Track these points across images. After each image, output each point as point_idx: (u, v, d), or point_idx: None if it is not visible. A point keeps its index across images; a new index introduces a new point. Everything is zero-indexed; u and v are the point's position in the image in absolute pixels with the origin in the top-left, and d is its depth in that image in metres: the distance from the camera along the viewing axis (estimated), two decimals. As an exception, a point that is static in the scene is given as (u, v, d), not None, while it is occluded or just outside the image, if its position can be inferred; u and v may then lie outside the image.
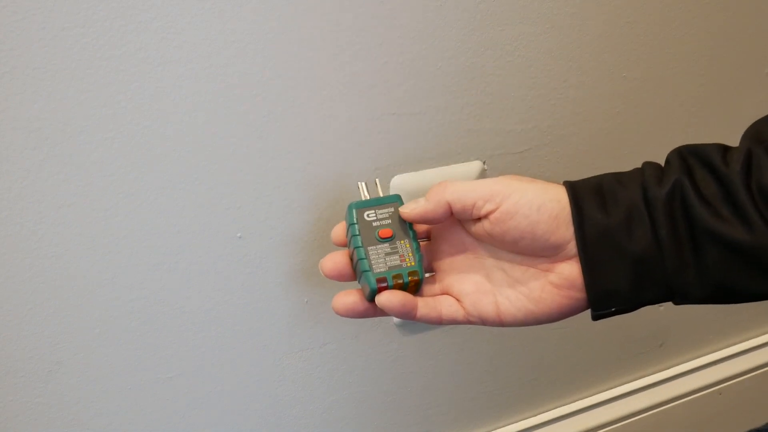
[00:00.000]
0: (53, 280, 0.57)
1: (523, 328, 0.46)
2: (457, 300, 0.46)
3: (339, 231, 0.46)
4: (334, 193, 0.64)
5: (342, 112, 0.62)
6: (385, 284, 0.44)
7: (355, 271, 0.45)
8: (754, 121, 0.44)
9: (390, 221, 0.45)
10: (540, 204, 0.41)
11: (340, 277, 0.45)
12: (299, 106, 0.60)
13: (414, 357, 0.76)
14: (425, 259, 0.47)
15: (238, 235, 0.62)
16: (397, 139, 0.65)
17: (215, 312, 0.64)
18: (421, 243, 0.47)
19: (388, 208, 0.46)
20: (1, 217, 0.54)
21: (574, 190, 0.42)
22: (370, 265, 0.44)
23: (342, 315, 0.45)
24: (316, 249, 0.66)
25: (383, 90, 0.62)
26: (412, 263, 0.45)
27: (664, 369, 0.94)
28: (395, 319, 0.73)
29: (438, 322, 0.46)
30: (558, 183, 0.44)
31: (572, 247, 0.42)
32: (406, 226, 0.46)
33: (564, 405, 0.89)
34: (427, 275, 0.47)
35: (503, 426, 0.87)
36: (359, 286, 0.46)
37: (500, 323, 0.45)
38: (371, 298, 0.44)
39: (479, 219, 0.43)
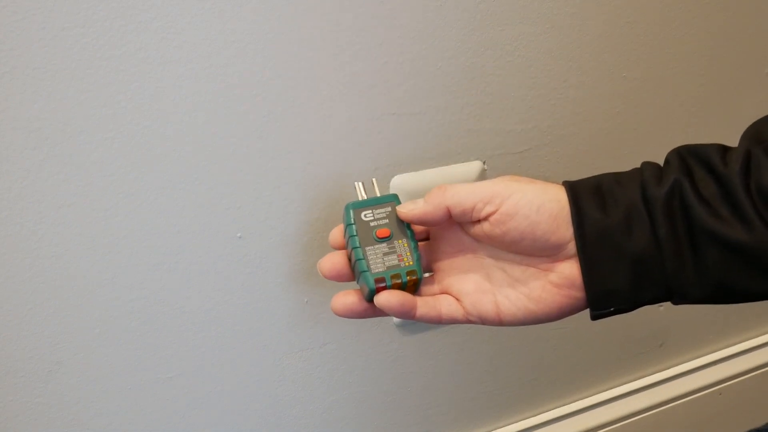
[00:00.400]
0: (53, 280, 0.57)
1: (523, 328, 0.46)
2: (457, 299, 0.46)
3: (337, 234, 0.46)
4: (334, 193, 0.64)
5: (342, 112, 0.62)
6: (383, 284, 0.44)
7: (354, 271, 0.45)
8: (754, 121, 0.44)
9: (387, 221, 0.45)
10: (539, 204, 0.41)
11: (339, 278, 0.45)
12: (299, 106, 0.60)
13: (414, 357, 0.76)
14: (424, 259, 0.47)
15: (238, 235, 0.62)
16: (397, 139, 0.65)
17: (215, 312, 0.64)
18: (420, 243, 0.47)
19: (385, 207, 0.45)
20: (1, 217, 0.54)
21: (574, 190, 0.42)
22: (368, 266, 0.44)
23: (341, 316, 0.45)
24: (316, 249, 0.66)
25: (383, 90, 0.62)
26: (410, 263, 0.44)
27: (664, 369, 0.94)
28: (395, 319, 0.73)
29: (438, 322, 0.45)
30: (557, 183, 0.44)
31: (572, 246, 0.42)
32: (404, 225, 0.45)
33: (564, 405, 0.89)
34: (426, 275, 0.47)
35: (503, 426, 0.87)
36: (358, 287, 0.46)
37: (500, 323, 0.45)
38: (370, 299, 0.44)
39: (479, 221, 0.43)
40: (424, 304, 0.45)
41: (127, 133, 0.55)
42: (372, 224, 0.45)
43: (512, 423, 0.87)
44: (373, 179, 0.50)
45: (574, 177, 0.44)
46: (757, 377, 1.00)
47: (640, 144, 0.77)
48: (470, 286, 0.46)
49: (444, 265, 0.47)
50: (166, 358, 0.64)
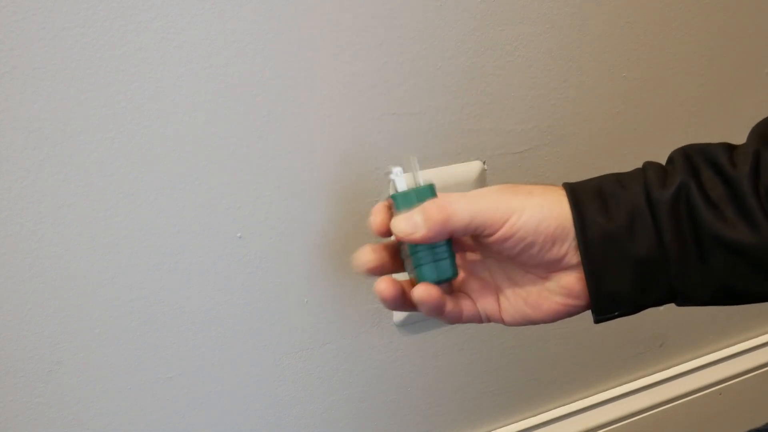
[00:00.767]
0: (53, 280, 0.57)
1: (523, 327, 0.46)
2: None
3: (382, 218, 0.43)
4: (334, 193, 0.64)
5: (342, 112, 0.62)
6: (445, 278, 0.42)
7: (405, 261, 0.44)
8: (761, 120, 0.43)
9: None
10: (537, 224, 0.41)
11: (382, 271, 0.44)
12: (299, 106, 0.60)
13: (414, 357, 0.76)
14: None
15: (238, 235, 0.62)
16: (397, 139, 0.65)
17: (215, 312, 0.64)
18: None
19: (422, 201, 0.43)
20: (1, 217, 0.54)
21: (575, 193, 0.42)
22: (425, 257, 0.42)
23: (388, 300, 0.43)
24: (316, 249, 0.66)
25: (383, 90, 0.62)
26: (446, 258, 0.43)
27: (664, 369, 0.94)
28: (395, 319, 0.73)
29: (458, 320, 0.45)
30: (557, 186, 0.43)
31: (571, 258, 0.41)
32: None
33: (564, 405, 0.89)
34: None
35: (503, 426, 0.86)
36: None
37: (502, 322, 0.45)
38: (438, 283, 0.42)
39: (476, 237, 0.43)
40: (450, 301, 0.44)
41: (127, 133, 0.55)
42: None
43: (512, 423, 0.87)
44: (411, 156, 0.47)
45: (574, 177, 0.44)
46: (757, 377, 1.00)
47: (640, 144, 0.77)
48: (476, 283, 0.46)
49: None
50: (166, 358, 0.64)
